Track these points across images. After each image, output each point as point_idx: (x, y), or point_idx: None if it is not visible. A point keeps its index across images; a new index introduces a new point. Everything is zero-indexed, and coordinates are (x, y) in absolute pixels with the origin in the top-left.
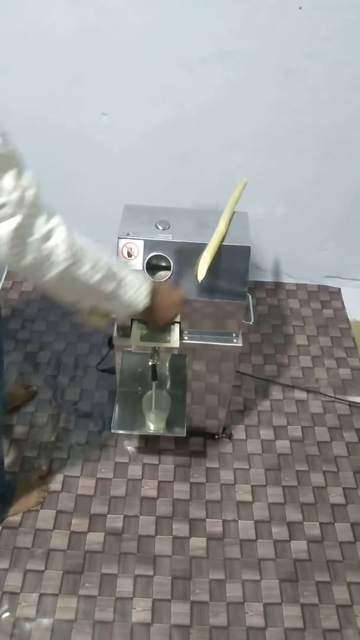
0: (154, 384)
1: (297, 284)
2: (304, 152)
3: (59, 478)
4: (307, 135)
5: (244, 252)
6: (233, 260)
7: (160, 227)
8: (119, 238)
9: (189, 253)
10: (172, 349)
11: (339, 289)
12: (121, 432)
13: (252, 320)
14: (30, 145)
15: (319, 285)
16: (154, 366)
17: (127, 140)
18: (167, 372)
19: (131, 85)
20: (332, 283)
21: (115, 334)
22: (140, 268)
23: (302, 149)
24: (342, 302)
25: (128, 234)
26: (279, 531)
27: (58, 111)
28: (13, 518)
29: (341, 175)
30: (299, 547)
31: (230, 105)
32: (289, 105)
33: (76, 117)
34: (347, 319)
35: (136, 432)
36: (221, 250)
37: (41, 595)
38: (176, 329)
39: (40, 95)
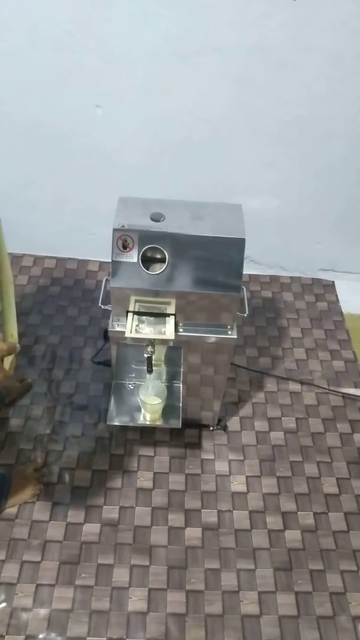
0: (149, 375)
1: (291, 277)
2: (299, 145)
3: (54, 470)
4: (302, 128)
5: (239, 244)
6: (227, 253)
7: (155, 219)
8: (114, 230)
9: (184, 245)
10: (167, 341)
11: (333, 282)
12: (117, 424)
13: (247, 313)
14: (24, 138)
15: (313, 278)
16: (149, 358)
17: (121, 133)
18: (163, 364)
19: (125, 78)
20: (326, 276)
21: (110, 326)
22: (135, 260)
23: (298, 142)
24: (336, 295)
25: (123, 226)
26: (274, 521)
27: (51, 104)
28: (9, 510)
29: (337, 169)
30: (293, 536)
31: (225, 98)
32: (284, 98)
33: (70, 109)
34: (341, 311)
35: (132, 424)
36: (216, 242)
37: (38, 585)
38: (171, 321)
39: (33, 88)
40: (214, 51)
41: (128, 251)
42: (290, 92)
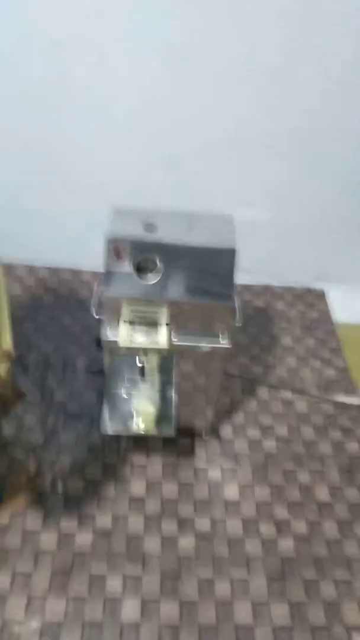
0: (142, 384)
1: (283, 287)
2: (292, 157)
3: (47, 479)
4: (296, 140)
5: (230, 254)
6: (219, 263)
7: (148, 230)
8: (107, 239)
9: (177, 254)
10: (160, 350)
11: (324, 291)
12: (111, 433)
13: (240, 322)
14: (18, 147)
15: (304, 287)
16: (142, 367)
17: (115, 143)
18: (156, 373)
19: (119, 87)
20: (318, 286)
21: (104, 335)
22: (129, 270)
23: (291, 154)
24: (327, 304)
25: (116, 236)
26: (267, 529)
27: (45, 112)
28: (1, 520)
29: (326, 178)
30: (286, 545)
31: (219, 109)
32: (278, 109)
33: (64, 117)
34: (332, 320)
35: (125, 433)
36: (208, 252)
37: (30, 597)
38: (164, 330)
39: (25, 96)
40: (208, 62)
41: (121, 261)
42: (284, 104)
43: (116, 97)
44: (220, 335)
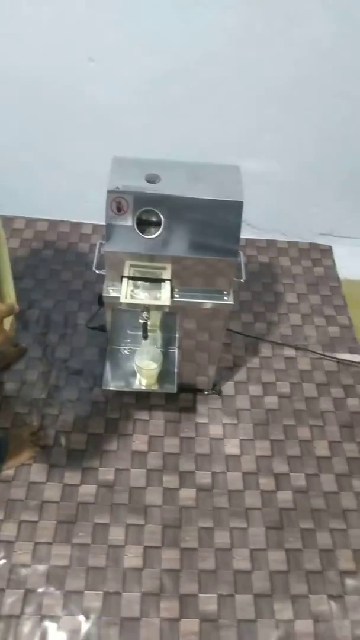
0: (144, 341)
1: (288, 242)
2: (303, 106)
3: (50, 433)
4: (310, 88)
5: (236, 207)
6: (225, 216)
7: (150, 181)
8: (108, 192)
9: (180, 207)
10: (162, 306)
11: (331, 247)
12: (112, 389)
13: (244, 278)
14: (14, 97)
15: (310, 243)
16: (144, 324)
17: (116, 90)
18: (158, 330)
19: (121, 30)
20: (324, 241)
21: (105, 291)
22: (130, 224)
23: (305, 104)
24: (333, 260)
25: (117, 188)
26: (266, 482)
27: (42, 58)
28: (6, 472)
29: (341, 131)
30: (284, 497)
31: (226, 53)
32: (288, 54)
33: (61, 63)
34: (338, 277)
35: (127, 389)
36: (213, 205)
37: (36, 544)
38: (167, 286)
39: (20, 41)
40: (215, 2)
41: (122, 214)
42: (295, 49)
43: (117, 43)
44: (224, 292)
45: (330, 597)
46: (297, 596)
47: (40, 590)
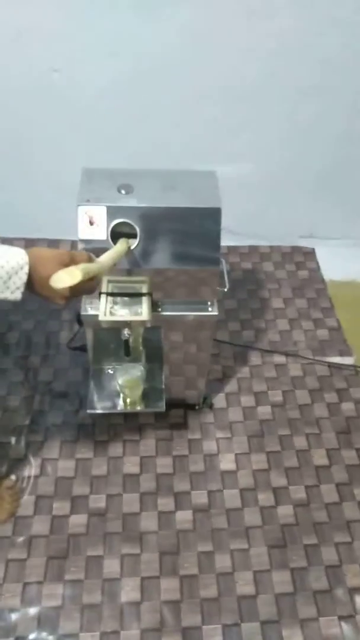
0: (127, 358)
1: (270, 246)
2: (273, 104)
3: (36, 462)
4: (277, 85)
5: (215, 214)
6: (203, 224)
7: (123, 192)
8: (78, 205)
9: (156, 218)
10: (143, 322)
11: (313, 249)
12: (98, 411)
13: (227, 287)
14: None
15: (292, 246)
16: (126, 341)
17: (83, 100)
18: (141, 346)
19: (82, 36)
20: (306, 243)
21: (83, 309)
22: (105, 237)
23: (272, 101)
24: (317, 262)
25: (88, 200)
26: (265, 497)
27: (2, 70)
28: None
29: (314, 128)
30: (285, 512)
31: (194, 54)
32: (254, 51)
33: (23, 73)
34: (323, 279)
35: (113, 411)
36: (190, 213)
37: (25, 584)
38: (147, 300)
39: None
40: (180, 2)
41: (95, 227)
42: (260, 45)
43: (79, 50)
44: (208, 302)
45: (341, 618)
46: (306, 620)
47: (31, 637)
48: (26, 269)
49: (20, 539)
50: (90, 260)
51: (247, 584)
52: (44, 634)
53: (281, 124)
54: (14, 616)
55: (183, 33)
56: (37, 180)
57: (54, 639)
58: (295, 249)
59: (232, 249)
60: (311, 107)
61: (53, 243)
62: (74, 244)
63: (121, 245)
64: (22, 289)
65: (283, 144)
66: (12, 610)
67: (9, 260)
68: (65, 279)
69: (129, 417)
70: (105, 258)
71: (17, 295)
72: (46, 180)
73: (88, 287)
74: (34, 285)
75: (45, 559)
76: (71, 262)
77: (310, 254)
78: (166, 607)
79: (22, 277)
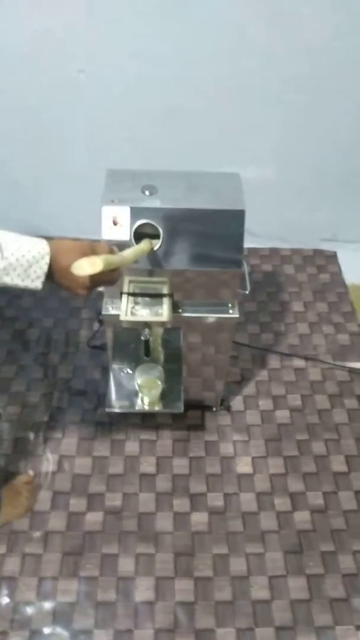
0: (146, 359)
1: (291, 249)
2: (297, 107)
3: (54, 458)
4: (307, 87)
5: (238, 216)
6: (227, 226)
7: (147, 193)
8: (102, 206)
9: (180, 219)
10: (164, 323)
11: (335, 252)
12: (116, 411)
13: (249, 289)
14: (2, 111)
15: (314, 249)
16: (146, 341)
17: (108, 100)
18: (160, 347)
19: (108, 38)
20: (328, 246)
21: (104, 309)
22: (128, 238)
23: (292, 101)
24: (339, 266)
25: (112, 201)
26: (282, 502)
27: (29, 71)
28: None
29: (338, 130)
30: (302, 517)
31: (218, 56)
32: (280, 54)
33: (50, 75)
34: (344, 283)
35: (131, 410)
36: (213, 215)
37: (41, 578)
38: (167, 301)
39: (6, 54)
40: (204, 4)
41: (119, 228)
42: (290, 47)
43: (106, 51)
44: (229, 305)
45: (358, 628)
46: (321, 628)
47: (46, 631)
48: (47, 259)
49: (37, 534)
50: (111, 252)
51: (262, 589)
52: (58, 629)
53: (305, 126)
54: (29, 610)
55: (206, 34)
56: (60, 180)
57: (69, 634)
58: (317, 252)
59: (252, 251)
60: (336, 109)
61: None
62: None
63: (145, 244)
64: (42, 279)
65: (307, 145)
66: (27, 603)
67: (30, 249)
68: (86, 267)
69: (146, 417)
70: (128, 252)
71: (38, 284)
72: (69, 180)
73: (109, 277)
74: (55, 275)
75: (60, 554)
76: (92, 253)
77: (332, 257)
78: (180, 608)
79: (43, 266)
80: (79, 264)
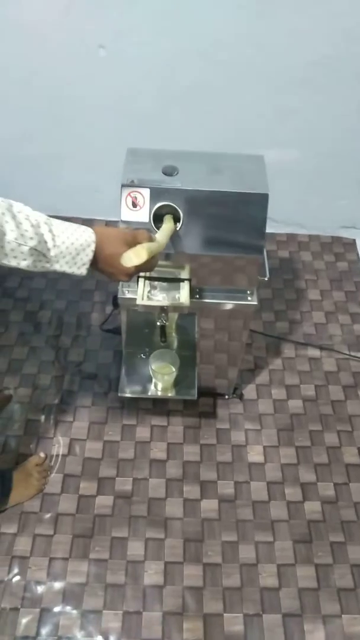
0: (161, 344)
1: (309, 235)
2: (325, 90)
3: (65, 441)
4: (330, 69)
5: (262, 200)
6: (249, 210)
7: (167, 174)
8: (122, 186)
9: (201, 202)
10: (181, 307)
11: (354, 240)
12: (128, 395)
13: (267, 276)
14: (18, 86)
15: (332, 236)
16: (162, 327)
17: (128, 78)
18: (174, 332)
19: (132, 14)
20: (347, 234)
21: (120, 292)
22: (147, 220)
23: (324, 86)
24: (357, 254)
25: (132, 182)
26: (292, 492)
27: (48, 45)
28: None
29: (357, 118)
30: (312, 508)
31: (243, 34)
32: (309, 34)
33: (70, 50)
34: None
35: (144, 396)
36: (236, 198)
37: (51, 559)
38: (186, 286)
39: (26, 27)
40: None
41: (138, 209)
42: (316, 28)
43: (127, 28)
44: (247, 292)
45: None
46: (329, 616)
47: (56, 609)
48: (93, 247)
49: (47, 516)
50: (151, 239)
51: (270, 576)
52: (68, 608)
53: (332, 111)
54: (39, 588)
55: (233, 13)
56: (78, 158)
57: (78, 613)
58: (335, 239)
59: (269, 236)
60: (357, 95)
61: (87, 223)
62: (108, 224)
63: (169, 224)
64: (87, 265)
65: (331, 131)
66: (38, 582)
67: (78, 237)
68: (133, 258)
69: (157, 403)
70: (161, 236)
71: (83, 270)
72: (87, 159)
73: (149, 265)
74: (99, 262)
75: (71, 536)
76: (133, 240)
77: (350, 245)
78: (188, 593)
79: (89, 254)
80: (127, 255)
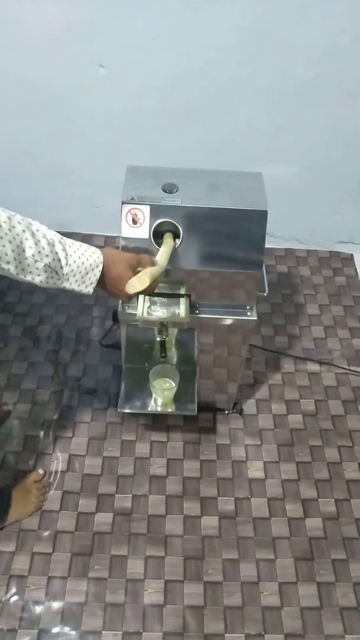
0: (161, 359)
1: (307, 250)
2: (319, 107)
3: (64, 457)
4: (323, 87)
5: (261, 216)
6: (248, 227)
7: (167, 191)
8: (122, 203)
9: (200, 218)
10: (181, 323)
11: (352, 254)
12: (128, 411)
13: (267, 291)
14: (19, 103)
15: (330, 251)
16: (162, 342)
17: (127, 95)
18: (173, 348)
19: (131, 34)
20: (345, 249)
21: (120, 307)
22: (147, 236)
23: (318, 103)
24: (355, 269)
25: (132, 199)
26: (293, 508)
27: (49, 63)
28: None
29: (357, 131)
30: (314, 524)
31: (240, 54)
32: (304, 53)
33: (70, 69)
34: None
35: (143, 411)
36: (235, 215)
37: (50, 578)
38: (186, 301)
39: (28, 46)
40: (228, 0)
41: (138, 226)
42: (311, 46)
43: (127, 47)
44: (247, 307)
45: None
46: (331, 636)
47: (54, 630)
48: (100, 267)
49: (46, 533)
50: (153, 263)
51: (272, 595)
52: (66, 629)
53: (326, 127)
54: (38, 608)
55: (230, 32)
56: (77, 174)
57: (77, 634)
58: (333, 254)
59: (267, 251)
60: (357, 111)
61: (87, 238)
62: (107, 240)
63: (169, 243)
64: (94, 285)
65: (327, 147)
66: (36, 602)
67: (88, 258)
68: (137, 285)
69: (157, 418)
70: (161, 259)
71: (90, 289)
72: (86, 175)
73: (151, 288)
74: (105, 283)
75: (69, 554)
76: (138, 264)
77: (348, 260)
78: (189, 612)
79: (97, 274)
80: (132, 283)
